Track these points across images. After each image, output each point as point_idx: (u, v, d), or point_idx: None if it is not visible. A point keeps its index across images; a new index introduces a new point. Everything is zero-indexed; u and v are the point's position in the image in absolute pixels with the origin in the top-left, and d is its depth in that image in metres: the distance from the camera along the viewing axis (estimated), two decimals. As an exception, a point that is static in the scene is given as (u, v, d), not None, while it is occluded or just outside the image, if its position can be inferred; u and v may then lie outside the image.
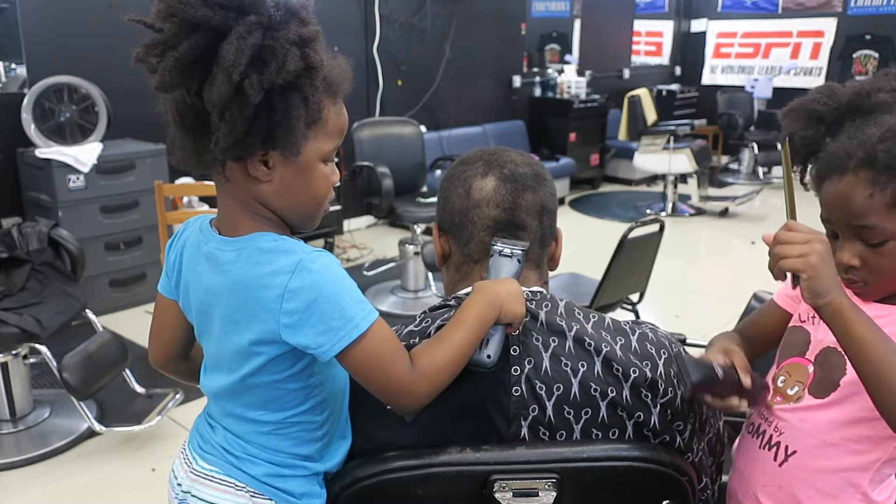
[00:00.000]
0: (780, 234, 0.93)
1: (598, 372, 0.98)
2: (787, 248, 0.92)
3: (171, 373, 1.16)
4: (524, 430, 0.97)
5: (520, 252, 1.03)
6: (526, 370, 0.98)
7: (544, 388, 0.97)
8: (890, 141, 0.97)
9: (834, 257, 0.96)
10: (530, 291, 1.05)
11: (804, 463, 1.06)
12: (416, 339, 1.01)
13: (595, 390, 0.97)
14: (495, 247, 1.03)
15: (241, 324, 0.91)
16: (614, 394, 0.98)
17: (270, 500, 0.98)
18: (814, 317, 1.09)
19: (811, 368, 1.09)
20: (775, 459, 1.08)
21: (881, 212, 0.97)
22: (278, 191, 0.92)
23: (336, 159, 0.98)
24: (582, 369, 0.98)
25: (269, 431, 0.97)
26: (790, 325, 1.16)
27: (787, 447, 1.08)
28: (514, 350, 0.99)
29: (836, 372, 1.04)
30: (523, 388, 0.97)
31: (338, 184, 0.98)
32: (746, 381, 1.04)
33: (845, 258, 1.01)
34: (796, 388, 1.09)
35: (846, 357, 0.93)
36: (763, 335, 1.20)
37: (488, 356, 0.95)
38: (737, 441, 1.21)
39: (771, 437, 1.10)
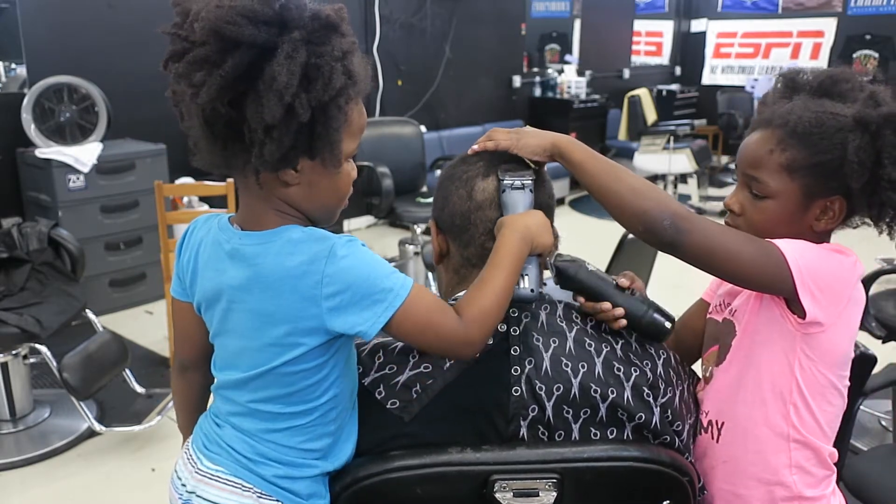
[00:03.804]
0: (490, 132, 1.10)
1: (598, 373, 0.98)
2: (497, 134, 1.09)
3: (191, 379, 1.14)
4: (523, 430, 0.97)
5: (530, 182, 1.03)
6: (526, 370, 0.98)
7: (544, 389, 0.97)
8: (809, 114, 1.04)
9: (725, 202, 1.13)
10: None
11: (734, 427, 1.09)
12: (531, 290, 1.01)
13: (595, 391, 0.97)
14: (505, 181, 1.03)
15: (276, 315, 0.92)
16: (614, 395, 0.98)
17: (277, 500, 0.98)
18: (719, 304, 1.18)
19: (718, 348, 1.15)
20: (713, 438, 1.11)
21: (772, 168, 1.06)
22: (306, 192, 0.94)
23: None
24: (582, 370, 0.98)
25: (283, 428, 0.97)
26: (707, 317, 1.21)
27: (716, 422, 1.11)
28: (515, 350, 0.99)
29: (730, 337, 1.12)
30: (523, 389, 0.97)
31: (355, 178, 1.01)
32: (623, 281, 1.06)
33: (731, 202, 1.12)
34: (710, 369, 1.15)
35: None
36: (692, 330, 1.25)
37: (531, 290, 0.98)
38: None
39: (702, 421, 1.13)
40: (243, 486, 0.98)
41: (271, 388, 0.96)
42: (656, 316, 1.05)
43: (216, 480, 0.99)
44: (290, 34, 0.84)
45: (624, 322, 1.04)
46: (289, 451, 0.98)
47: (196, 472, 1.00)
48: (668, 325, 1.05)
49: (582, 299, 1.06)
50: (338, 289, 0.89)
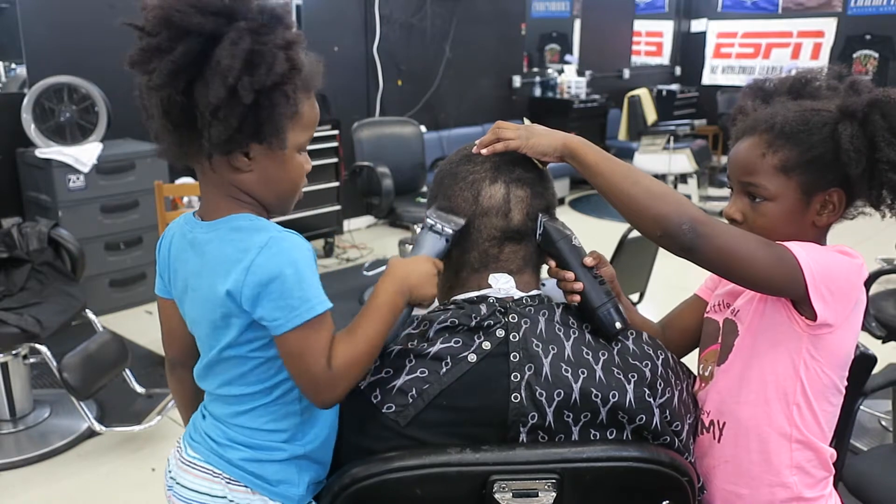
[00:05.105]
0: (497, 125, 1.08)
1: (599, 377, 0.98)
2: (505, 131, 1.06)
3: (182, 377, 1.17)
4: (522, 436, 0.96)
5: (450, 232, 1.02)
6: (526, 376, 0.96)
7: (544, 395, 0.96)
8: (793, 114, 1.07)
9: (724, 211, 1.13)
10: (529, 296, 1.05)
11: (736, 427, 1.09)
12: (415, 342, 1.01)
13: (596, 396, 0.97)
14: (428, 220, 1.02)
15: (216, 299, 0.95)
16: (616, 398, 0.97)
17: (246, 487, 1.00)
18: (718, 304, 1.18)
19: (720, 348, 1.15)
20: (715, 438, 1.11)
21: (767, 172, 1.07)
22: (259, 179, 0.97)
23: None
24: (583, 376, 0.97)
25: (250, 409, 1.00)
26: (704, 316, 1.21)
27: (717, 422, 1.11)
28: (514, 356, 0.98)
29: (732, 336, 1.12)
30: (523, 395, 0.96)
31: (309, 170, 1.04)
32: (589, 260, 1.07)
33: (731, 211, 1.12)
34: (710, 369, 1.15)
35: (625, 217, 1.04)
36: (680, 326, 1.26)
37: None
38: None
39: (704, 421, 1.13)
40: (213, 472, 1.01)
41: (228, 372, 1.00)
42: (609, 314, 1.03)
43: (192, 467, 1.03)
44: (237, 24, 0.88)
45: (578, 298, 1.04)
46: (255, 433, 1.01)
47: (180, 461, 1.05)
48: (617, 325, 1.03)
49: (553, 263, 1.08)
50: (261, 279, 0.91)
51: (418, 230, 1.01)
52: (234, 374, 1.00)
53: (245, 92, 0.87)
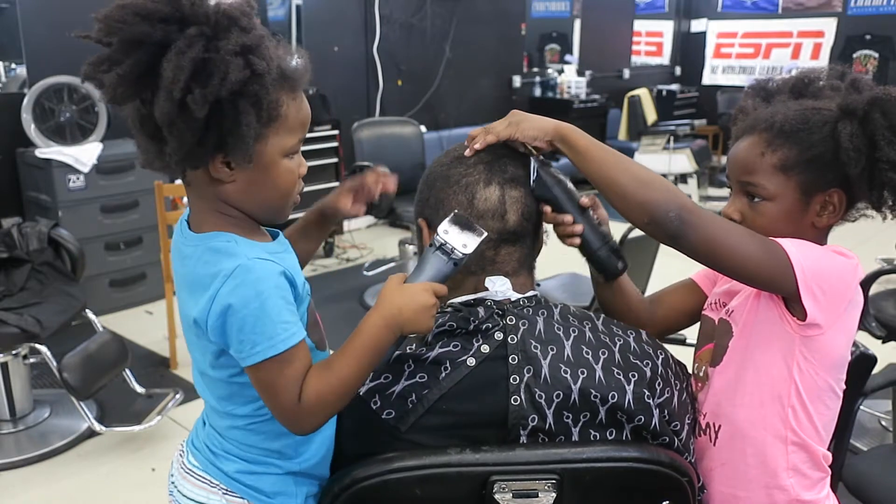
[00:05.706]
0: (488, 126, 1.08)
1: (598, 377, 0.97)
2: (495, 126, 1.07)
3: None
4: (523, 439, 0.96)
5: (460, 256, 0.94)
6: (525, 378, 0.96)
7: (544, 397, 0.95)
8: (793, 112, 1.06)
9: (722, 211, 1.11)
10: (525, 298, 1.04)
11: (730, 431, 1.09)
12: (413, 346, 1.00)
13: (595, 396, 0.96)
14: (438, 237, 0.94)
15: (190, 319, 0.93)
16: (615, 399, 0.97)
17: (242, 498, 0.99)
18: (715, 302, 1.18)
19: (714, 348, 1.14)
20: (711, 441, 1.11)
21: (767, 171, 1.06)
22: (243, 189, 0.92)
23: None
24: (581, 376, 0.97)
25: (243, 426, 0.99)
26: (702, 314, 1.20)
27: (713, 424, 1.11)
28: (513, 359, 0.97)
29: (726, 337, 1.10)
30: (522, 398, 0.95)
31: (304, 174, 0.98)
32: (585, 200, 1.09)
33: (729, 210, 1.11)
34: (704, 368, 1.14)
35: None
36: (669, 305, 1.25)
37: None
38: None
39: (700, 423, 1.13)
40: (211, 482, 1.00)
41: (217, 390, 0.98)
42: (610, 255, 1.08)
43: (191, 475, 1.02)
44: (188, 31, 0.82)
45: (578, 241, 1.07)
46: (249, 448, 0.99)
47: (181, 468, 1.04)
48: (619, 266, 1.06)
49: (548, 209, 1.08)
50: (222, 310, 0.87)
51: (430, 246, 0.94)
52: (222, 393, 0.98)
53: (196, 105, 0.81)
